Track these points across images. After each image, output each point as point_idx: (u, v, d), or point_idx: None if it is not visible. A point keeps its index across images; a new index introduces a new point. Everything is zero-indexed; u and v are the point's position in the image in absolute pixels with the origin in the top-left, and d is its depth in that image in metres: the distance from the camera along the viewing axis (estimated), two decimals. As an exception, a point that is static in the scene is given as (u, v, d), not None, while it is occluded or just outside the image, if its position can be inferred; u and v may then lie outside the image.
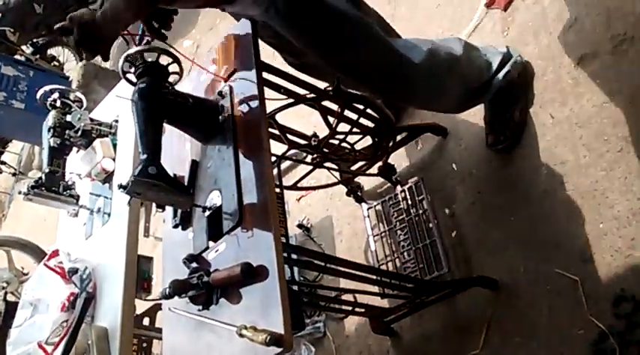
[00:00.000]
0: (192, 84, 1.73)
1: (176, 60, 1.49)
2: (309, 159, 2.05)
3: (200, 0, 1.51)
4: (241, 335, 1.18)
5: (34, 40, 5.18)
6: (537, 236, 1.78)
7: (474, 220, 1.96)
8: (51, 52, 5.44)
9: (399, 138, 2.10)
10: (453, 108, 1.95)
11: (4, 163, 5.12)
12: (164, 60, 1.48)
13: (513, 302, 1.77)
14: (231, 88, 1.55)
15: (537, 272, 1.74)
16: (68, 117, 1.99)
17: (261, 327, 1.18)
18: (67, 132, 1.97)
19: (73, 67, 5.06)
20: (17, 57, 4.44)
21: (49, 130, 1.95)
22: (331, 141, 1.92)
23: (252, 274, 1.25)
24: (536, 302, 1.71)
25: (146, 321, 2.52)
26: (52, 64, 5.39)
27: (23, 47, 5.06)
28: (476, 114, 2.04)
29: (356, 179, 2.35)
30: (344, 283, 2.10)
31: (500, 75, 1.86)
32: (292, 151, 1.99)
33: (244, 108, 1.49)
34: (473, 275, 1.89)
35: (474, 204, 1.98)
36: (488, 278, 1.84)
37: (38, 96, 2.02)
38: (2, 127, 3.82)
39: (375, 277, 1.76)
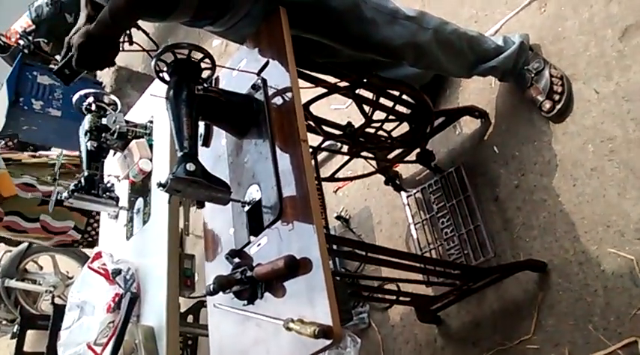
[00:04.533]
0: (225, 79, 1.71)
1: (208, 55, 1.47)
2: (344, 149, 2.03)
3: (189, 13, 1.53)
4: (289, 329, 1.17)
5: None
6: (587, 216, 1.72)
7: (518, 203, 1.91)
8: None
9: (436, 123, 2.05)
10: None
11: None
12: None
13: (565, 285, 1.71)
14: (264, 80, 1.52)
15: (589, 252, 1.68)
16: (104, 121, 2.00)
17: (308, 320, 1.16)
18: (103, 135, 1.98)
19: (105, 72, 5.12)
20: (52, 66, 4.51)
21: (85, 134, 1.97)
22: (367, 130, 1.89)
23: (295, 267, 1.23)
24: (589, 283, 1.65)
25: (190, 319, 2.53)
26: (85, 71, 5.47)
27: (57, 56, 5.15)
28: (516, 95, 1.98)
29: (394, 167, 2.31)
30: (386, 273, 2.08)
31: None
32: (328, 142, 1.97)
33: (278, 100, 1.47)
34: (520, 259, 1.84)
35: (518, 187, 1.92)
36: (537, 261, 1.78)
37: (74, 100, 2.04)
38: (41, 135, 3.88)
39: (419, 265, 1.73)
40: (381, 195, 2.42)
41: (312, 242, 1.23)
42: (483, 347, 1.88)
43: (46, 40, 4.74)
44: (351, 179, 2.36)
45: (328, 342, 1.11)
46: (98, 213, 2.89)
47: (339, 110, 2.66)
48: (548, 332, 1.73)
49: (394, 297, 1.95)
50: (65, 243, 3.05)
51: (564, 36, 1.92)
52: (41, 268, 4.33)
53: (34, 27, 4.79)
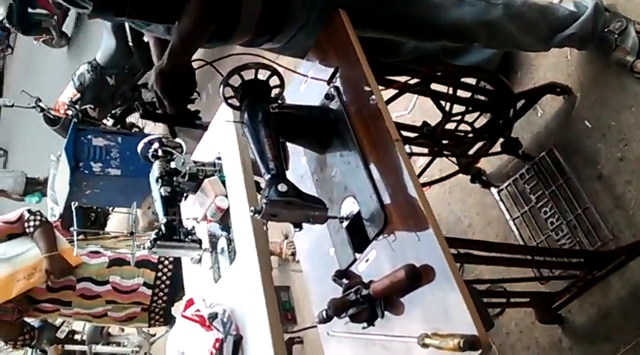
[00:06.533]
0: (290, 97, 1.63)
1: (275, 72, 1.40)
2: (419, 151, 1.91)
3: (251, 29, 1.48)
4: (425, 345, 1.04)
5: (113, 112, 5.37)
6: None
7: (627, 176, 1.74)
8: (129, 119, 5.62)
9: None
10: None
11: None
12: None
13: None
14: (337, 88, 1.44)
15: None
16: (172, 165, 1.95)
17: (444, 332, 1.04)
18: (174, 179, 1.92)
19: (153, 128, 5.18)
20: (104, 127, 4.59)
21: (157, 181, 1.91)
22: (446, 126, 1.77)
23: (418, 276, 1.11)
24: None
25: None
26: (133, 130, 5.56)
27: (104, 121, 5.24)
28: (598, 62, 1.83)
29: (475, 164, 2.16)
30: (488, 273, 1.93)
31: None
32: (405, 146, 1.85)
33: (357, 105, 1.38)
34: (643, 236, 1.66)
35: (622, 159, 1.76)
36: (664, 235, 1.61)
37: (139, 150, 1.99)
38: (104, 197, 3.89)
39: (536, 258, 1.58)
40: (466, 195, 2.27)
41: (431, 246, 1.12)
42: (619, 341, 1.70)
43: (92, 106, 4.83)
44: (430, 183, 2.22)
45: (476, 353, 0.98)
46: (165, 266, 2.87)
47: (402, 116, 2.55)
48: (695, 312, 1.54)
49: (504, 300, 1.79)
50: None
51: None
52: (122, 330, 4.33)
53: (79, 95, 4.90)
